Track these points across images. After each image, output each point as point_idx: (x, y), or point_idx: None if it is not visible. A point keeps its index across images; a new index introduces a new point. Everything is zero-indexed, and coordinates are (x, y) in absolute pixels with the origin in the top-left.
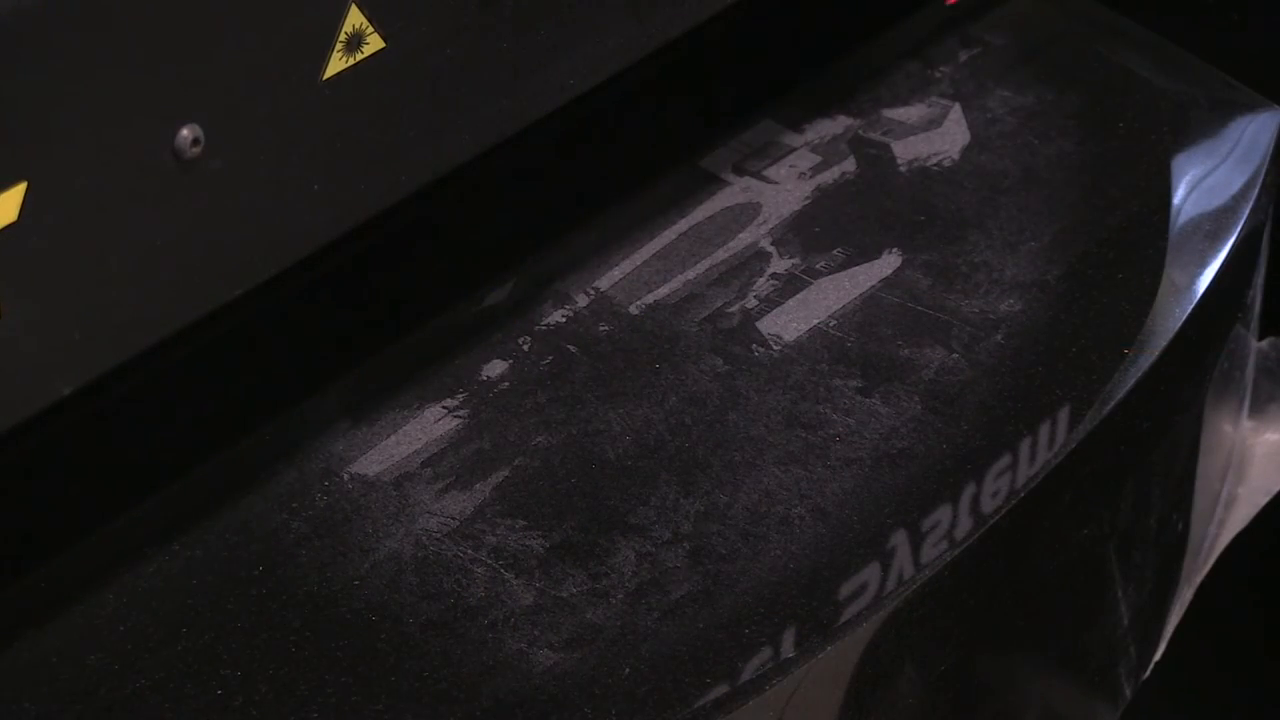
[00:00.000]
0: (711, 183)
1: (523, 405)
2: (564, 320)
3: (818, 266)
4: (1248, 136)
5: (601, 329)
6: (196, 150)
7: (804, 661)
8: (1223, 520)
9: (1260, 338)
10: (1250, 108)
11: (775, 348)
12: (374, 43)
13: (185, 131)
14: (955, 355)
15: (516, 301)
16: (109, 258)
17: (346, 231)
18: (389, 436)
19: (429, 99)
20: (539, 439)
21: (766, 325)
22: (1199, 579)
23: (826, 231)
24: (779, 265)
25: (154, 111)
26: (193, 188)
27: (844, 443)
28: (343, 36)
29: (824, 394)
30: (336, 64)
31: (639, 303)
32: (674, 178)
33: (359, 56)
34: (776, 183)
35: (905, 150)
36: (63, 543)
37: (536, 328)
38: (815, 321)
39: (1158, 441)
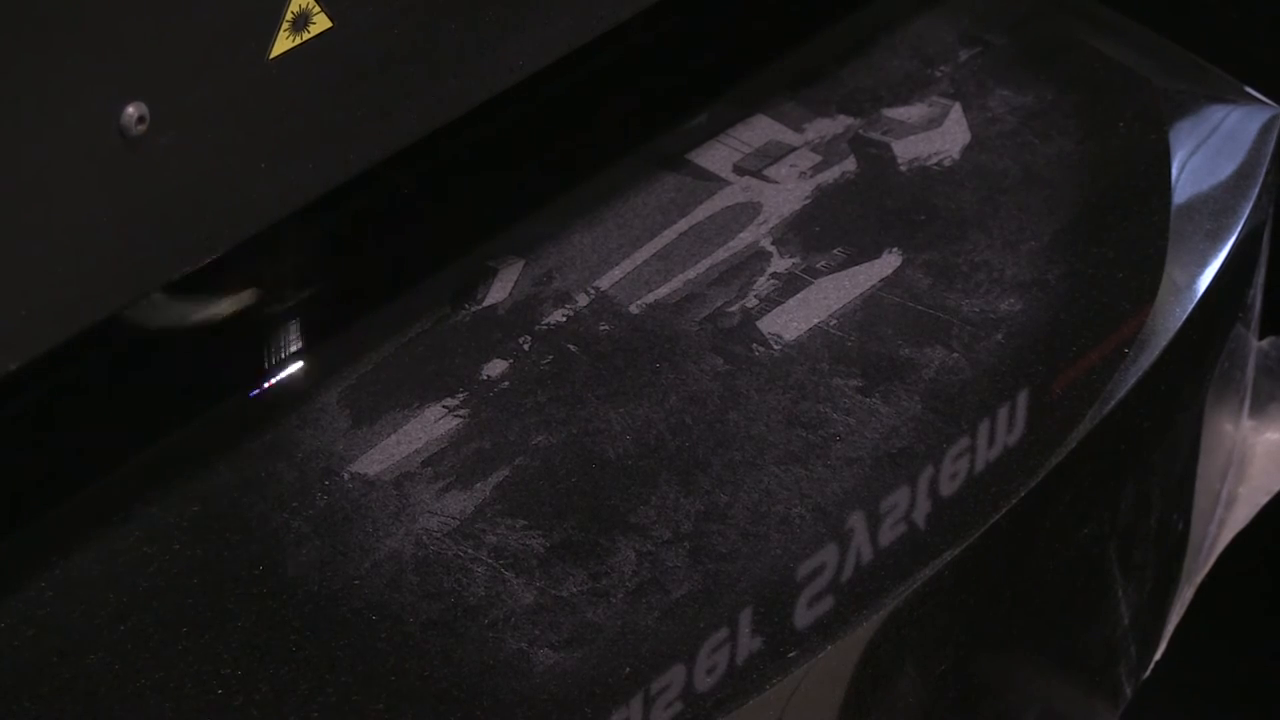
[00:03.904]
0: (711, 182)
1: (523, 405)
2: (564, 320)
3: (818, 266)
4: (1248, 136)
5: (602, 328)
6: (142, 128)
7: (804, 661)
8: (1223, 520)
9: (1260, 338)
10: (1250, 108)
11: (775, 347)
12: (320, 22)
13: (130, 109)
14: (955, 355)
15: (516, 301)
16: (54, 235)
17: (293, 210)
18: (389, 436)
19: (374, 79)
20: (539, 438)
21: (767, 325)
22: (1199, 579)
23: (827, 231)
24: (779, 265)
25: (99, 89)
26: (138, 165)
27: (844, 442)
28: (289, 16)
29: (824, 393)
30: (283, 43)
31: (639, 302)
32: (674, 178)
33: (305, 36)
34: (777, 182)
35: (905, 150)
36: (63, 542)
37: (536, 327)
38: (815, 321)
39: (1158, 441)
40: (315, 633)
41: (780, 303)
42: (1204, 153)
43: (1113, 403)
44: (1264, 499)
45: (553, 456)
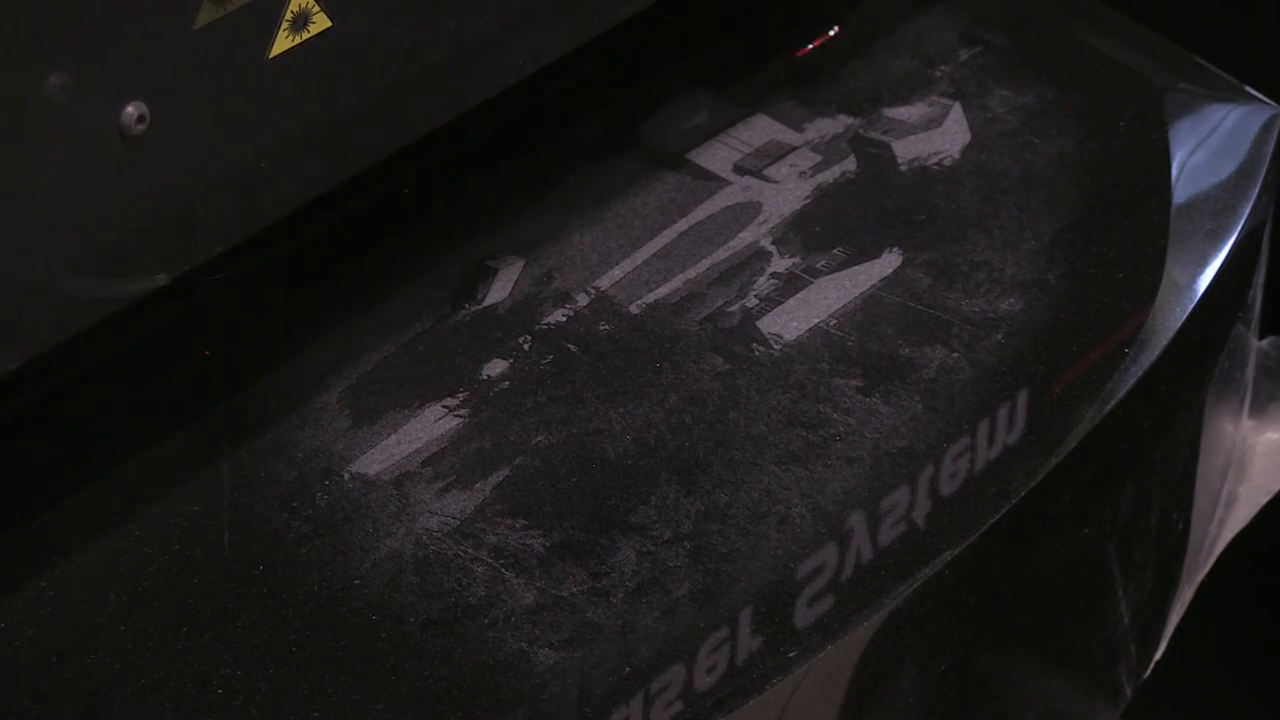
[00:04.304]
0: (711, 182)
1: (523, 404)
2: (564, 319)
3: (818, 266)
4: (1248, 136)
5: (602, 328)
6: (142, 128)
7: (804, 661)
8: (1223, 520)
9: (1260, 337)
10: (1250, 107)
11: (776, 347)
12: (320, 22)
13: (130, 109)
14: (955, 355)
15: (516, 301)
16: (54, 234)
17: (293, 209)
18: (389, 436)
19: (374, 79)
20: (539, 438)
21: (767, 324)
22: (1199, 579)
23: (827, 231)
24: (779, 264)
25: (99, 89)
26: (138, 165)
27: (844, 442)
28: (289, 16)
29: (824, 393)
30: (283, 43)
31: (639, 302)
32: (674, 177)
33: (305, 36)
34: (777, 182)
35: (906, 149)
36: (63, 542)
37: (536, 327)
38: (816, 321)
39: (1158, 441)
40: (315, 633)
41: (780, 302)
42: (1204, 153)
43: (1113, 403)
44: (1264, 499)
45: (553, 456)
